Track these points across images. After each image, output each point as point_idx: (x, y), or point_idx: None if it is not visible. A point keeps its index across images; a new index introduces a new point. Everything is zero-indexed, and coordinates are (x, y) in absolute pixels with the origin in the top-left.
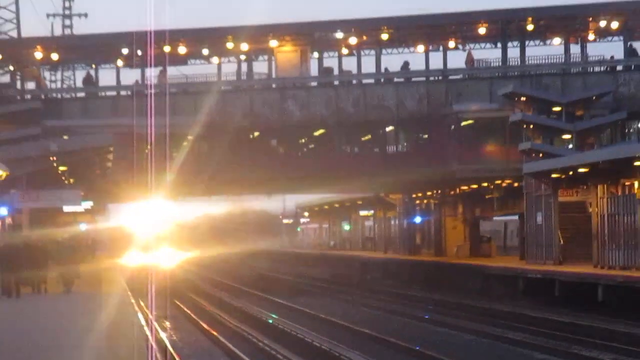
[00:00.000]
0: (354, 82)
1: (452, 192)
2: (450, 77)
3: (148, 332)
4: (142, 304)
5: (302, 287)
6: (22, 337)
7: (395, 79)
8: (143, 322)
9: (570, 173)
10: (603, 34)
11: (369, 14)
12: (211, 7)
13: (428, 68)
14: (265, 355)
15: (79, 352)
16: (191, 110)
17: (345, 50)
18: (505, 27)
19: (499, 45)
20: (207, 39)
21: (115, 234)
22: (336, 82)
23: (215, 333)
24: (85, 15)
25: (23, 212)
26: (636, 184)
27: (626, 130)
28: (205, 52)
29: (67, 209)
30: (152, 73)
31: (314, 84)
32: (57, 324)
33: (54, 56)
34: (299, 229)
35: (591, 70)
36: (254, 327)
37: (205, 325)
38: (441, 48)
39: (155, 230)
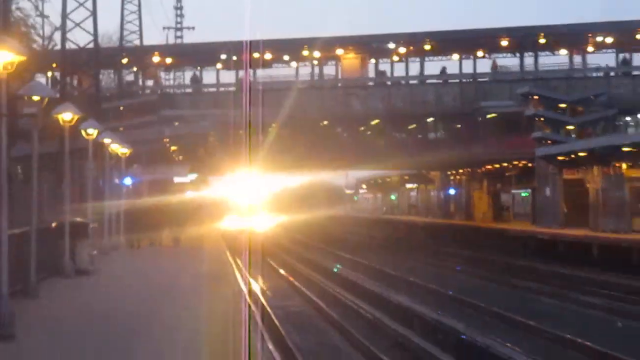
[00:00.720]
0: (403, 82)
1: (479, 170)
2: (479, 80)
3: (238, 274)
4: (237, 260)
5: (361, 244)
6: (141, 269)
7: (435, 81)
8: (234, 267)
9: (572, 156)
10: (600, 47)
11: (415, 28)
12: (293, 19)
13: (461, 72)
14: (328, 294)
15: (183, 288)
16: (275, 104)
17: (396, 58)
18: (522, 41)
19: (517, 55)
20: (288, 48)
21: (216, 202)
22: (389, 83)
23: (291, 278)
24: (193, 28)
25: (143, 182)
26: (624, 165)
27: (617, 123)
28: (286, 58)
29: (176, 180)
30: (247, 74)
31: (371, 84)
32: (166, 263)
33: (168, 60)
34: (356, 198)
35: (590, 75)
36: (322, 274)
37: (283, 271)
38: (471, 57)
39: (249, 198)
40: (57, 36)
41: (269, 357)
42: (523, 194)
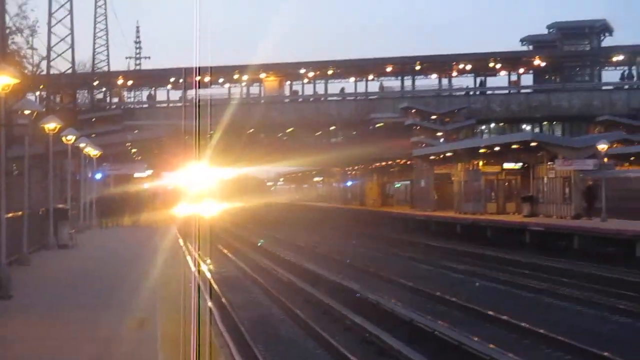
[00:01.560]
0: (311, 99)
1: (370, 167)
2: (370, 97)
3: (184, 247)
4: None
5: (280, 223)
6: (110, 243)
7: (336, 98)
8: (182, 242)
9: (441, 156)
10: (462, 72)
11: (323, 57)
12: (228, 48)
13: (356, 91)
14: (254, 263)
15: (140, 250)
16: (214, 116)
17: (305, 80)
18: (402, 67)
19: (399, 78)
20: (222, 73)
21: (168, 191)
22: (300, 100)
23: (225, 250)
24: (149, 57)
25: (110, 177)
26: (480, 162)
27: (475, 131)
28: (220, 80)
29: (136, 175)
30: (197, 92)
31: (287, 100)
32: (129, 239)
33: (129, 82)
34: (272, 189)
35: (454, 94)
36: (250, 247)
37: (220, 246)
38: (364, 79)
39: (196, 188)
40: (44, 64)
41: (204, 308)
42: (397, 185)
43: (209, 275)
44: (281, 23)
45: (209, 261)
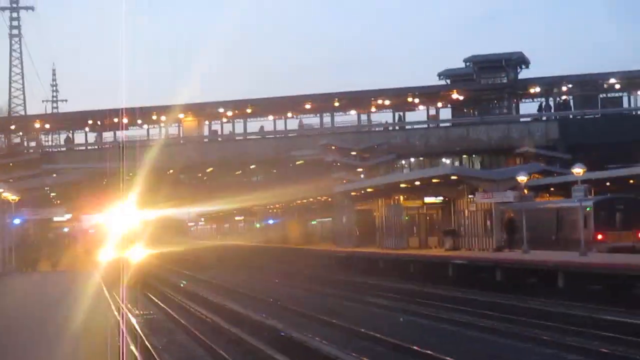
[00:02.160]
0: (229, 139)
1: (292, 205)
2: (289, 135)
3: (106, 291)
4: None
5: (200, 263)
6: (29, 289)
7: (255, 137)
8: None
9: (362, 191)
10: (380, 107)
11: (242, 95)
12: (150, 90)
13: (275, 129)
14: (175, 303)
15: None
16: (132, 158)
17: (225, 119)
18: (321, 104)
19: (318, 115)
20: (140, 115)
21: (89, 233)
22: (220, 139)
23: (149, 293)
24: (66, 100)
25: (29, 222)
26: (401, 197)
27: (396, 166)
28: (139, 121)
29: (56, 219)
30: (122, 133)
31: (206, 140)
32: (49, 285)
33: (47, 126)
34: (192, 229)
35: (373, 129)
36: (172, 289)
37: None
38: (283, 117)
39: (115, 231)
40: None
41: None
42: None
43: (134, 321)
44: (202, 65)
45: (131, 305)
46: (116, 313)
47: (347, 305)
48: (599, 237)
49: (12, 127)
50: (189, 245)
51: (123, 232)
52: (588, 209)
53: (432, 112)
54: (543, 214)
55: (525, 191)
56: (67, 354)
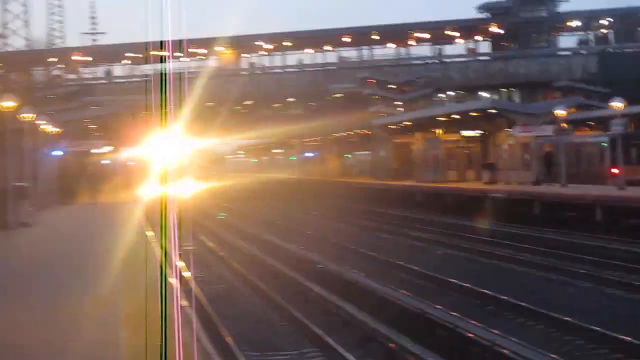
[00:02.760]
0: (269, 71)
1: (329, 138)
2: (328, 68)
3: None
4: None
5: (242, 194)
6: (66, 222)
7: (293, 70)
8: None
9: (400, 125)
10: (419, 41)
11: (280, 28)
12: (190, 22)
13: (314, 62)
14: (216, 236)
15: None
16: (173, 89)
17: (263, 53)
18: (360, 37)
19: (357, 48)
20: (178, 47)
21: (128, 166)
22: (258, 72)
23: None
24: (104, 33)
25: (69, 153)
26: (439, 131)
27: (434, 99)
28: (178, 54)
29: (95, 151)
30: (170, 64)
31: (244, 73)
32: (88, 218)
33: (86, 58)
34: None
35: (412, 63)
36: (212, 220)
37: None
38: (321, 50)
39: (157, 164)
40: None
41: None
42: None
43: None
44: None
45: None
46: (155, 245)
47: (385, 237)
48: (614, 170)
49: (52, 59)
50: (229, 179)
51: (162, 165)
52: (603, 144)
53: (471, 45)
54: (582, 147)
55: (564, 125)
56: (109, 283)
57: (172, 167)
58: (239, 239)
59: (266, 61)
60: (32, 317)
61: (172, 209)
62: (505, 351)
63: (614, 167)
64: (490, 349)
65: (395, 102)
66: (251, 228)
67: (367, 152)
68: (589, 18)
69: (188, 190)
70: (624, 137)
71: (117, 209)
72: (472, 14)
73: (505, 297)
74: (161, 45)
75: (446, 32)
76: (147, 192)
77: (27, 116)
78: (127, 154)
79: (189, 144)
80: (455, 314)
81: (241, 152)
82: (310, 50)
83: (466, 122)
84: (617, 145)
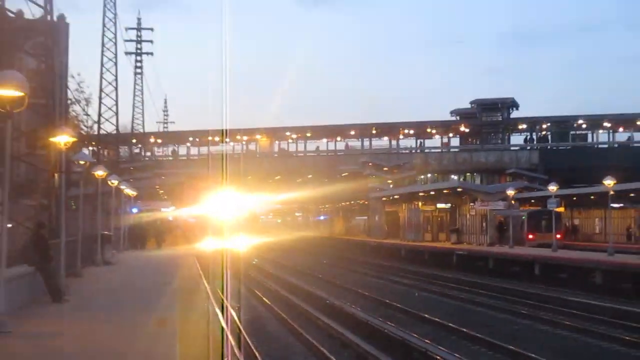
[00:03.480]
0: (294, 155)
1: (337, 205)
2: (338, 154)
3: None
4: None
5: (266, 248)
6: (141, 263)
7: (313, 154)
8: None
9: (391, 197)
10: (406, 135)
11: (303, 121)
12: (235, 112)
13: (327, 149)
14: (251, 279)
15: (168, 269)
16: (221, 165)
17: (291, 140)
18: (362, 131)
19: (360, 139)
20: (227, 134)
21: (186, 221)
22: (285, 155)
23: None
24: (173, 122)
25: (142, 211)
26: (419, 203)
27: (417, 179)
28: (227, 140)
29: (163, 210)
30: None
31: (275, 155)
32: (157, 258)
33: (159, 141)
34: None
35: (400, 152)
36: (245, 267)
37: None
38: (334, 140)
39: (206, 221)
40: (95, 126)
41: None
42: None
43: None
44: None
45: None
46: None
47: (375, 281)
48: (530, 236)
49: (134, 141)
50: (263, 234)
51: (216, 223)
52: (523, 217)
53: (445, 140)
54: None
55: (512, 202)
56: (169, 300)
57: (222, 223)
58: (262, 276)
59: (292, 147)
60: (109, 328)
61: (221, 256)
62: None
63: (530, 234)
64: None
65: (387, 181)
66: (274, 270)
67: (365, 217)
68: (533, 122)
69: (233, 242)
70: (533, 213)
71: (177, 254)
72: (447, 116)
73: (464, 329)
74: (224, 133)
75: (427, 130)
76: (201, 242)
77: (113, 182)
78: (186, 212)
79: (235, 206)
80: (427, 340)
81: (270, 214)
82: (325, 140)
83: (440, 196)
84: (530, 218)
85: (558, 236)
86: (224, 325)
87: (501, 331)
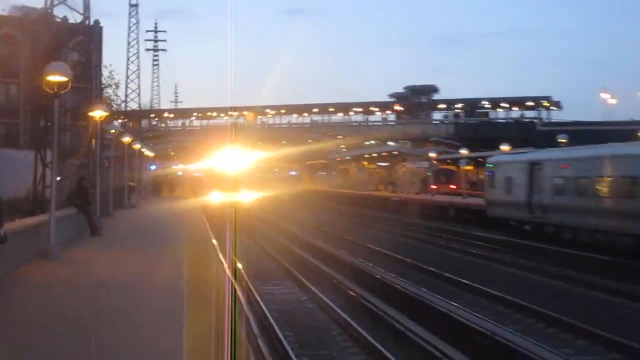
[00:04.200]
0: (273, 127)
1: (303, 165)
2: (305, 126)
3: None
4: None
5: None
6: (161, 206)
7: (286, 126)
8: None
9: (344, 158)
10: (357, 112)
11: (281, 100)
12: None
13: (298, 122)
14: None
15: (182, 212)
16: (220, 133)
17: (270, 116)
18: (323, 109)
19: (320, 115)
20: (222, 110)
21: (193, 176)
22: (266, 127)
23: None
24: (182, 101)
25: (159, 168)
26: (365, 163)
27: (364, 144)
28: (221, 115)
29: (174, 167)
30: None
31: (258, 126)
32: (171, 203)
33: (171, 115)
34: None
35: (351, 125)
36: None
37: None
38: (302, 115)
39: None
40: (123, 105)
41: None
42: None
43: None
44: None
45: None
46: (206, 222)
47: (328, 219)
48: (434, 187)
49: (152, 115)
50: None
51: (221, 177)
52: (428, 173)
53: (384, 116)
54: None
55: (434, 162)
56: (181, 235)
57: (227, 178)
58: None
59: (271, 120)
60: (133, 255)
61: (226, 206)
62: None
63: (434, 185)
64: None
65: (342, 146)
66: (277, 220)
67: (324, 173)
68: (450, 103)
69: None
70: (436, 171)
71: (185, 201)
72: (386, 98)
73: (396, 255)
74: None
75: (370, 108)
76: (206, 195)
77: (137, 146)
78: (193, 168)
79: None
80: (361, 259)
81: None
82: (295, 115)
83: (380, 158)
84: (434, 174)
85: (453, 187)
86: (215, 243)
87: (417, 256)
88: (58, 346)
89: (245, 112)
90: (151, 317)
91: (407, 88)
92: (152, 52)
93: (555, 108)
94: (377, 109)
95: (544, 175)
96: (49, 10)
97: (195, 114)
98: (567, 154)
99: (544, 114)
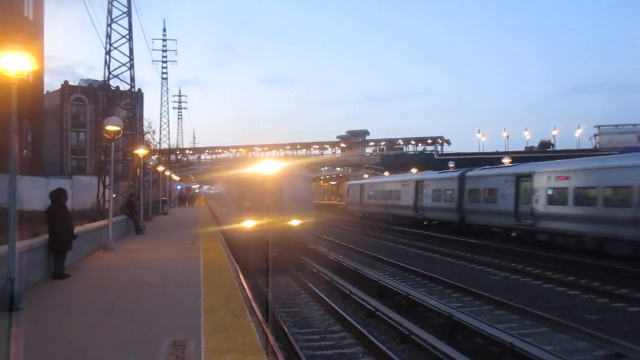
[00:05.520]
0: (254, 158)
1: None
2: (282, 158)
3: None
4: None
5: None
6: (185, 214)
7: (269, 158)
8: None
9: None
10: (316, 148)
11: (264, 139)
12: (233, 132)
13: (277, 155)
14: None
15: (196, 215)
16: (222, 163)
17: (257, 150)
18: (292, 146)
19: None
20: (224, 148)
21: (209, 193)
22: (252, 159)
23: None
24: (199, 143)
25: (182, 188)
26: (321, 181)
27: (320, 170)
28: (224, 152)
29: (192, 186)
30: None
31: (247, 158)
32: (193, 210)
33: (190, 152)
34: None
35: (311, 156)
36: None
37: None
38: (276, 150)
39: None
40: (158, 145)
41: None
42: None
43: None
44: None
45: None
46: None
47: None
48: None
49: (177, 152)
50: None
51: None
52: (347, 187)
53: (333, 151)
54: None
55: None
56: (199, 233)
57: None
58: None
59: (257, 154)
60: (167, 247)
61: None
62: None
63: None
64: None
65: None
66: None
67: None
68: (377, 141)
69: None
70: (350, 186)
71: (201, 209)
72: (334, 138)
73: (347, 245)
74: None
75: (325, 145)
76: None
77: (167, 173)
78: (206, 187)
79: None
80: (326, 249)
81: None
82: (274, 150)
83: (331, 178)
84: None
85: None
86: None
87: (368, 247)
88: (126, 298)
89: (240, 149)
90: (178, 284)
91: (348, 132)
92: (177, 109)
93: (446, 144)
94: (328, 146)
95: (424, 191)
96: (106, 82)
97: (207, 150)
98: (434, 175)
99: (439, 148)
